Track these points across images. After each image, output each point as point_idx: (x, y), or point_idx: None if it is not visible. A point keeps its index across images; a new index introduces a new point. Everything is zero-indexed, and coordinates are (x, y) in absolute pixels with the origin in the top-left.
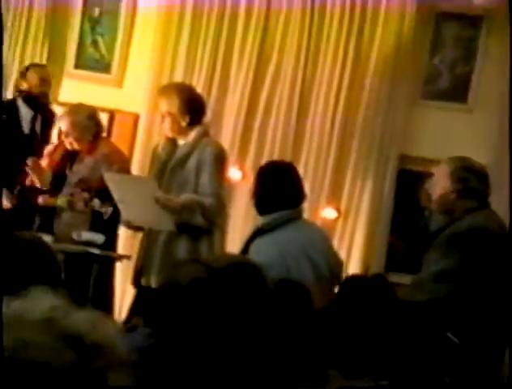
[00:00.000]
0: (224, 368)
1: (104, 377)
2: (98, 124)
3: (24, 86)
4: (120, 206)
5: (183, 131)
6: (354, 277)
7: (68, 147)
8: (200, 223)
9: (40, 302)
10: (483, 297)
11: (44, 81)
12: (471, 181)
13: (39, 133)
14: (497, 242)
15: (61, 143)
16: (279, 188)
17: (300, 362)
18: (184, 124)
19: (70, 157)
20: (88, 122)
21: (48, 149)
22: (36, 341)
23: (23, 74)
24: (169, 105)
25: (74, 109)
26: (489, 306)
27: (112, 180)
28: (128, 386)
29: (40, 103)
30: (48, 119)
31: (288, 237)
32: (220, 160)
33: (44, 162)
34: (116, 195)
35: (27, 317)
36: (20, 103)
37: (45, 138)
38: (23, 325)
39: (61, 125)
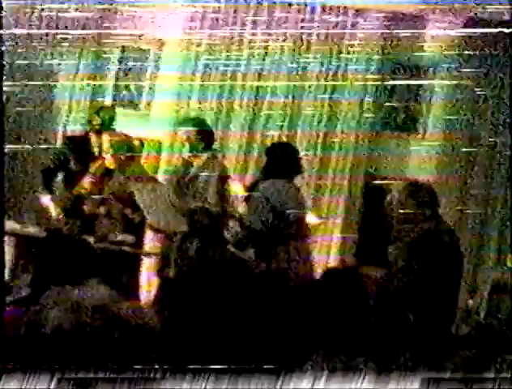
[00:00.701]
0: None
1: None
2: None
3: (98, 121)
4: (145, 212)
5: (197, 154)
6: (333, 269)
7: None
8: (205, 222)
9: (95, 292)
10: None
11: (112, 121)
12: (424, 197)
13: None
14: (447, 243)
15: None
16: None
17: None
18: (199, 148)
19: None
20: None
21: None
22: (91, 323)
23: (97, 112)
24: (187, 134)
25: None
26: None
27: (138, 190)
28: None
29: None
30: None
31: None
32: (223, 177)
33: (88, 177)
34: (141, 203)
35: (85, 303)
36: (93, 136)
37: None
38: (82, 309)
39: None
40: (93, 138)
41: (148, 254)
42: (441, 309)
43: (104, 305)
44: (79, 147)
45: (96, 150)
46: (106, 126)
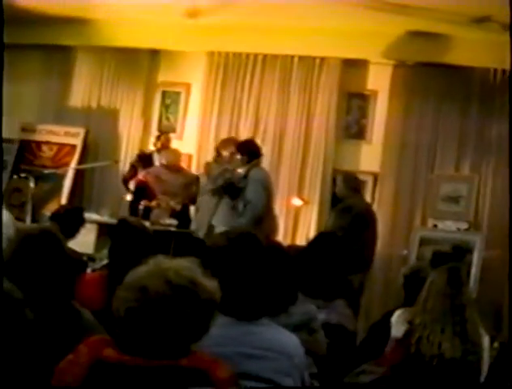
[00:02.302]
0: (238, 292)
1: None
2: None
3: (158, 144)
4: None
5: (240, 165)
6: (322, 233)
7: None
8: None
9: (181, 261)
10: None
11: (169, 141)
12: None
13: None
14: (366, 215)
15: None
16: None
17: (286, 289)
18: (243, 161)
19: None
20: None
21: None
22: (173, 281)
23: (158, 137)
24: (230, 150)
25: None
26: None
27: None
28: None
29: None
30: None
31: None
32: (263, 181)
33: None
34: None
35: (171, 266)
36: (155, 154)
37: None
38: (168, 269)
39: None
40: (155, 154)
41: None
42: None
43: (185, 266)
44: (146, 160)
45: (156, 163)
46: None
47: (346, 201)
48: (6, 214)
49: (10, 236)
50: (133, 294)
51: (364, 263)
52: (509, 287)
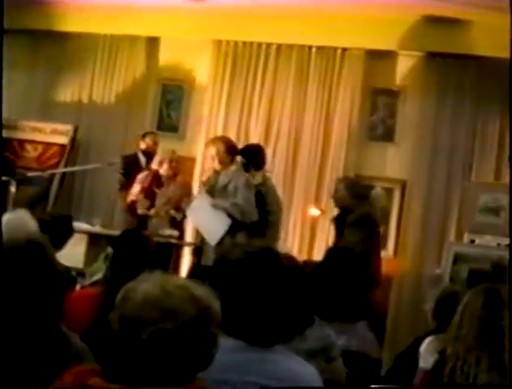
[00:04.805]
0: (253, 313)
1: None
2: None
3: (143, 145)
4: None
5: (225, 166)
6: (335, 248)
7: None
8: (238, 216)
9: (177, 277)
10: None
11: (155, 144)
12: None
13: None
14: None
15: (150, 173)
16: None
17: (300, 310)
18: (227, 161)
19: (156, 182)
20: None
21: (140, 177)
22: (173, 294)
23: (143, 136)
24: (217, 149)
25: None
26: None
27: (191, 212)
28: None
29: (151, 156)
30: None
31: None
32: (250, 184)
33: (137, 186)
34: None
35: (170, 281)
36: (140, 155)
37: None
38: (167, 284)
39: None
40: (140, 155)
41: (189, 244)
42: None
43: (184, 285)
44: (132, 164)
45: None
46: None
47: (357, 211)
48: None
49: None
50: (161, 314)
51: (371, 280)
52: (509, 291)
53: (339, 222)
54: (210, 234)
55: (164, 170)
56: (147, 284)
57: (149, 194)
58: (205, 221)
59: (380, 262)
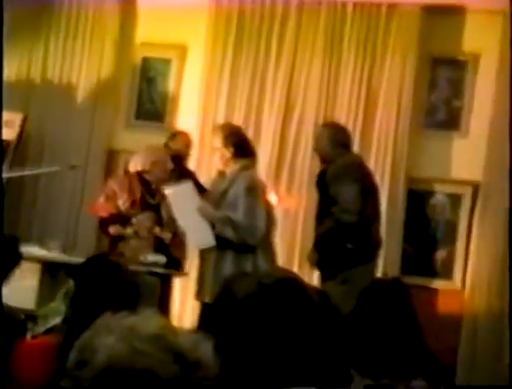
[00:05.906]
0: (270, 365)
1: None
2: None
3: (173, 146)
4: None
5: (228, 163)
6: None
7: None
8: (230, 236)
9: (151, 320)
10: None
11: (188, 146)
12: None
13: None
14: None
15: (133, 178)
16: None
17: (330, 363)
18: (228, 155)
19: (147, 191)
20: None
21: (115, 182)
22: (146, 352)
23: (173, 136)
24: (216, 141)
25: None
26: None
27: (172, 197)
28: None
29: (181, 160)
30: (183, 172)
31: None
32: (252, 190)
33: (123, 195)
34: (176, 214)
35: (141, 331)
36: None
37: None
38: (137, 337)
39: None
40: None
41: (182, 275)
42: None
43: (159, 335)
44: None
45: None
46: None
47: (338, 161)
48: None
49: None
50: (170, 357)
51: (369, 251)
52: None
53: (321, 183)
54: (195, 235)
55: (155, 174)
56: (109, 339)
57: (144, 206)
58: (189, 218)
59: (378, 228)
